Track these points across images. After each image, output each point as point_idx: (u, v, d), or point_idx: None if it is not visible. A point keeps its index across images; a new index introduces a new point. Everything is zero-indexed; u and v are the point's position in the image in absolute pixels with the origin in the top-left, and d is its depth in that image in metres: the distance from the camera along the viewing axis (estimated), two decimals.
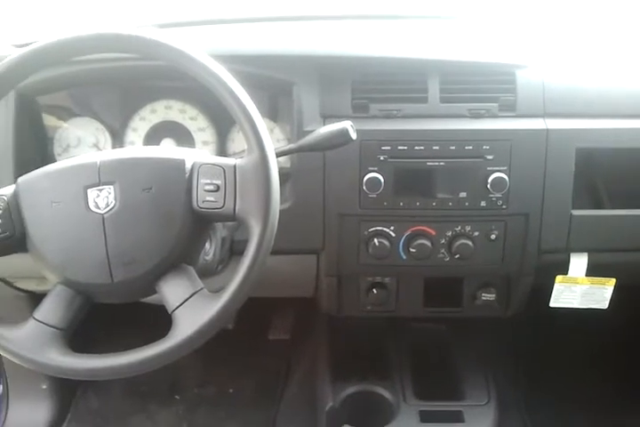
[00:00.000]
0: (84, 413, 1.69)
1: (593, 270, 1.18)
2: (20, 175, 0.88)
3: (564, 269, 1.18)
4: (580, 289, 1.21)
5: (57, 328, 0.85)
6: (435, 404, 1.34)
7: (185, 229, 0.84)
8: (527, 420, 1.52)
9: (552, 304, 1.23)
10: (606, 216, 1.16)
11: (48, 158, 1.21)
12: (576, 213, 1.13)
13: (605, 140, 1.11)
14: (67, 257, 0.85)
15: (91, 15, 1.37)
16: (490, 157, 1.09)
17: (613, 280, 1.20)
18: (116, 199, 0.84)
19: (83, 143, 1.22)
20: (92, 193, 0.84)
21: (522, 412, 1.54)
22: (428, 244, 1.13)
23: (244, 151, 0.85)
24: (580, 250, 1.17)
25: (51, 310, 0.85)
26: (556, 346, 1.71)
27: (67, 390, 1.69)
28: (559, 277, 1.19)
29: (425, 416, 1.30)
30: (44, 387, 1.65)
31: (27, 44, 0.86)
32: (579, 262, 1.18)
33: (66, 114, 1.23)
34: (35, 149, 1.19)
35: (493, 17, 1.32)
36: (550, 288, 1.21)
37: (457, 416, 1.30)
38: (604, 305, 1.23)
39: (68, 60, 0.89)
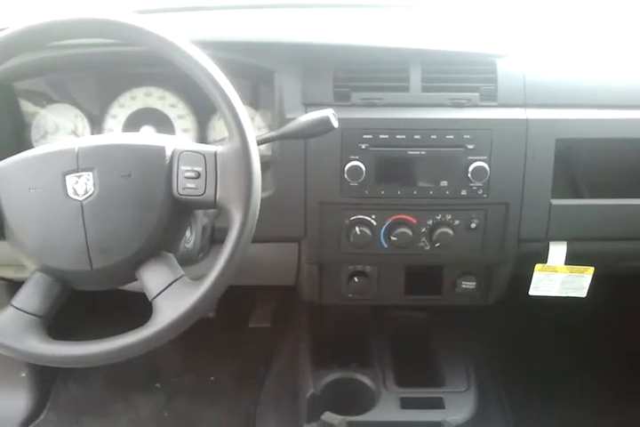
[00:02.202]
0: (64, 401, 1.68)
1: (572, 259, 1.19)
2: None
3: (543, 257, 1.19)
4: (558, 277, 1.22)
5: (36, 315, 0.84)
6: (415, 391, 1.35)
7: (165, 216, 0.84)
8: (506, 406, 1.54)
9: (531, 292, 1.24)
10: (585, 206, 1.17)
11: (25, 145, 1.20)
12: (555, 202, 1.14)
13: (585, 130, 1.12)
14: (45, 244, 0.84)
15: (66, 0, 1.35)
16: (471, 147, 1.10)
17: (592, 269, 1.21)
18: (94, 186, 0.83)
19: (61, 130, 1.21)
20: (70, 179, 0.83)
21: (501, 398, 1.56)
22: (409, 232, 1.13)
23: (224, 139, 0.84)
24: (559, 239, 1.18)
25: (29, 298, 0.85)
26: (535, 334, 1.73)
27: (46, 379, 1.69)
28: (538, 266, 1.21)
29: (405, 403, 1.31)
30: (24, 375, 1.64)
31: (3, 29, 0.85)
32: (558, 251, 1.19)
33: (44, 100, 1.21)
34: (12, 135, 1.18)
35: (469, 6, 1.31)
36: (530, 277, 1.22)
37: (437, 403, 1.31)
38: (583, 293, 1.25)
39: (47, 44, 0.88)
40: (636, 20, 1.29)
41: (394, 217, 1.14)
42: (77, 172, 0.83)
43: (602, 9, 1.33)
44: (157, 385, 1.73)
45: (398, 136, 1.09)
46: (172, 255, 0.86)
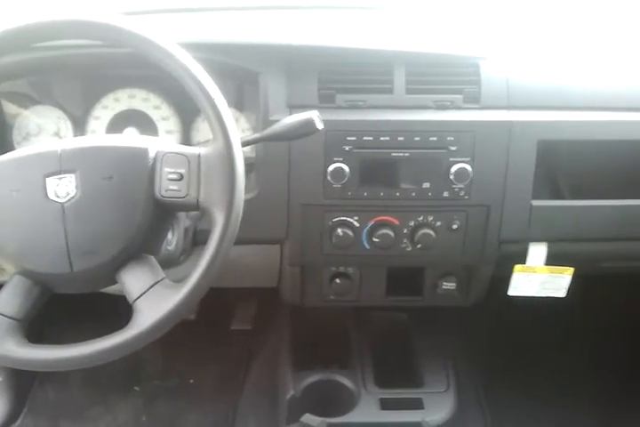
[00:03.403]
0: (42, 405, 1.66)
1: (552, 260, 1.20)
2: None
3: (523, 258, 1.20)
4: (538, 278, 1.23)
5: (14, 319, 0.83)
6: (395, 391, 1.35)
7: (147, 218, 0.83)
8: (485, 407, 1.55)
9: (510, 293, 1.25)
10: (565, 207, 1.18)
11: (7, 146, 1.18)
12: (536, 203, 1.15)
13: (567, 132, 1.13)
14: (25, 246, 0.84)
15: (55, 1, 1.33)
16: (453, 148, 1.10)
17: (571, 269, 1.23)
18: (76, 188, 0.82)
19: (43, 131, 1.20)
20: (51, 182, 0.82)
21: (480, 399, 1.57)
22: (391, 234, 1.14)
23: (208, 141, 0.84)
24: (539, 240, 1.19)
25: (8, 301, 0.84)
26: (514, 334, 1.74)
27: (23, 383, 1.66)
28: (518, 267, 1.21)
29: (385, 404, 1.31)
30: (0, 379, 1.62)
31: None
32: (537, 252, 1.20)
33: (26, 101, 1.20)
34: None
35: (452, 8, 1.32)
36: (510, 277, 1.23)
37: (417, 403, 1.32)
38: (562, 293, 1.26)
39: (31, 46, 0.88)
40: (617, 23, 1.31)
41: (376, 218, 1.14)
42: (59, 174, 0.83)
43: (584, 11, 1.35)
44: (136, 388, 1.71)
45: (382, 138, 1.10)
46: (153, 257, 0.86)
